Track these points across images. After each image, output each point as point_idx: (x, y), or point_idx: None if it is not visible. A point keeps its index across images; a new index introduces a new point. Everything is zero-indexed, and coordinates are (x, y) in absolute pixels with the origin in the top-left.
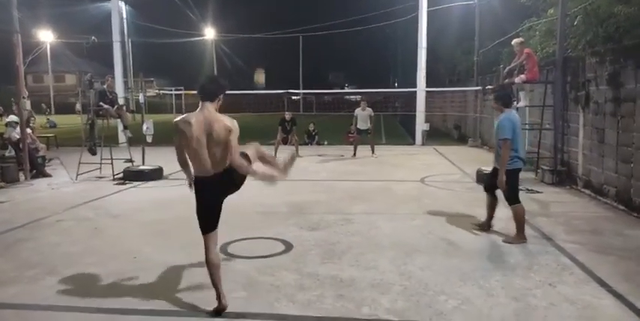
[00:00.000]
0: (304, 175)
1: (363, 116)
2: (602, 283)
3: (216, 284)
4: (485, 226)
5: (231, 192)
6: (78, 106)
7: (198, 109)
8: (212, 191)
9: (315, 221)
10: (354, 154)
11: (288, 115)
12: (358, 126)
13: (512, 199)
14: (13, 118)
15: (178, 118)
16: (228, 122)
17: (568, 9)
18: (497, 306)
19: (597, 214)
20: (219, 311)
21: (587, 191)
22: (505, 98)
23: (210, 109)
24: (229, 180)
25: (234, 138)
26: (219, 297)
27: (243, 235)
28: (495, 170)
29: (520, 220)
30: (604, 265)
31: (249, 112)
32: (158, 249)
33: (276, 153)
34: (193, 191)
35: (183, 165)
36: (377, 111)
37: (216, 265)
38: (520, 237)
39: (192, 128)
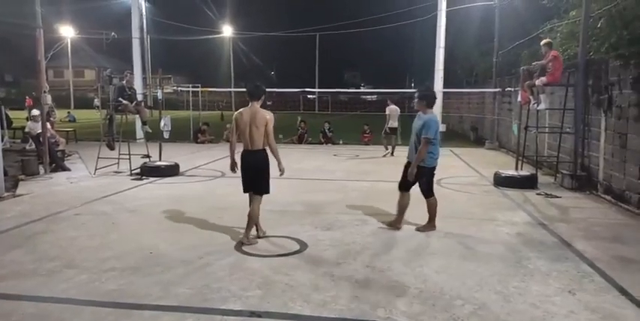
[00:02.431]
0: (319, 174)
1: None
2: (623, 292)
3: (249, 227)
4: (397, 224)
5: (257, 171)
6: (96, 102)
7: (248, 106)
8: (250, 161)
9: (330, 221)
10: (391, 153)
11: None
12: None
13: (427, 192)
14: (35, 112)
15: (237, 112)
16: (266, 115)
17: (591, 11)
18: (515, 312)
19: (618, 221)
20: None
21: (608, 197)
22: (429, 98)
23: (255, 105)
24: (260, 157)
25: (269, 126)
26: (257, 230)
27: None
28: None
29: (433, 211)
30: (625, 274)
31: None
32: (173, 245)
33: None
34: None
35: (231, 145)
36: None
37: (251, 216)
38: (431, 226)
39: (243, 118)
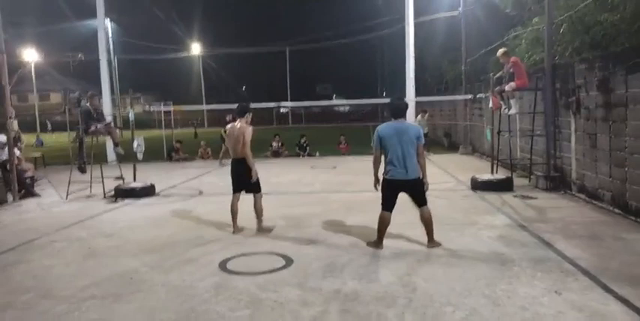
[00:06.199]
0: (297, 187)
1: None
2: (607, 289)
3: (233, 220)
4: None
5: (245, 176)
6: (49, 126)
7: (237, 122)
8: (237, 167)
9: (313, 234)
10: None
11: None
12: None
13: (381, 205)
14: (1, 138)
15: (227, 127)
16: (244, 129)
17: (554, 17)
18: (505, 316)
19: (594, 219)
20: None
21: (582, 196)
22: (390, 108)
23: (241, 122)
24: (245, 164)
25: (246, 138)
26: (234, 226)
27: (241, 251)
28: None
29: (378, 227)
30: (607, 271)
31: None
32: (154, 268)
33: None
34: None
35: (226, 152)
36: (367, 121)
37: (234, 212)
38: (376, 243)
39: (230, 131)
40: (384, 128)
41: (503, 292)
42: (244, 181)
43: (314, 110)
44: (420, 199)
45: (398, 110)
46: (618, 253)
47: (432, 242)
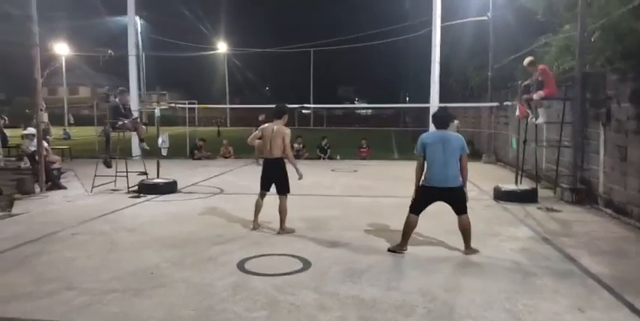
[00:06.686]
0: (318, 190)
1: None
2: (633, 309)
3: (254, 216)
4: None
5: (276, 176)
6: (72, 119)
7: (273, 122)
8: (269, 168)
9: (333, 238)
10: None
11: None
12: None
13: (410, 207)
14: (30, 130)
15: (262, 126)
16: (283, 131)
17: (586, 24)
18: None
19: (620, 235)
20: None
21: (609, 210)
22: (434, 119)
23: (278, 123)
24: (278, 164)
25: (287, 139)
26: (254, 221)
27: (260, 252)
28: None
29: (404, 229)
30: (633, 289)
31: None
32: (175, 264)
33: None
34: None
35: (255, 146)
36: (388, 126)
37: (258, 207)
38: (401, 245)
39: (266, 131)
40: (428, 136)
41: (524, 307)
42: (276, 181)
43: (336, 112)
44: (459, 208)
45: (441, 121)
46: None
47: (468, 249)
